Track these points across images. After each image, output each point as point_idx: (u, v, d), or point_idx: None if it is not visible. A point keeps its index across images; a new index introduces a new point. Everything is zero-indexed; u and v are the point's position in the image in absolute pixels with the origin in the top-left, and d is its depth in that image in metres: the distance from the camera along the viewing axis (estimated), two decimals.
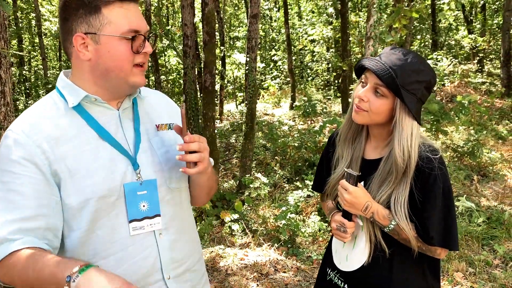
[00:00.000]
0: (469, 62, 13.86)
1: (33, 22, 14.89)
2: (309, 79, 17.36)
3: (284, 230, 4.22)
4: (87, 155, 1.10)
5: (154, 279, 1.17)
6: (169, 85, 14.53)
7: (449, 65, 12.79)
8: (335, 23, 13.26)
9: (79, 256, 1.11)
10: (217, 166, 5.98)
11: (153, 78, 11.90)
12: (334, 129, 6.17)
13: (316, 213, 4.68)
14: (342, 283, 1.50)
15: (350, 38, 12.77)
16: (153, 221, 1.17)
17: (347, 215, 1.44)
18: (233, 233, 4.48)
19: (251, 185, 5.29)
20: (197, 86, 8.36)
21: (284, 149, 6.80)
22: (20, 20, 14.45)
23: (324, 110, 11.21)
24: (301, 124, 9.75)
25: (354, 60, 11.51)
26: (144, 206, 1.16)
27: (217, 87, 11.92)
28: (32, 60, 17.91)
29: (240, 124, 9.80)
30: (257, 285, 3.48)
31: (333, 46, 14.55)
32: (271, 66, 18.06)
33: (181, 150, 1.13)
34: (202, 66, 5.83)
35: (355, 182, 1.37)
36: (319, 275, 1.68)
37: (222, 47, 12.36)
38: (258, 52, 13.15)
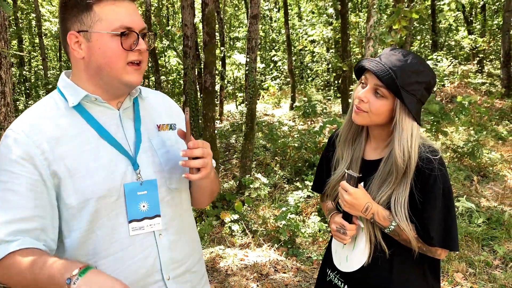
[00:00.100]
0: (469, 62, 13.86)
1: (33, 23, 14.90)
2: (309, 79, 17.37)
3: (284, 230, 4.22)
4: (87, 155, 1.10)
5: (153, 279, 1.17)
6: (169, 86, 14.53)
7: (449, 65, 12.80)
8: (335, 23, 13.27)
9: (79, 256, 1.11)
10: (217, 166, 5.98)
11: (153, 78, 11.91)
12: (334, 130, 6.15)
13: (316, 213, 4.68)
14: (342, 283, 1.50)
15: (350, 39, 12.77)
16: (153, 222, 1.17)
17: (347, 217, 1.44)
18: (233, 234, 4.48)
19: (251, 186, 5.29)
20: (197, 86, 8.37)
21: (284, 150, 6.80)
22: (20, 21, 14.46)
23: (324, 110, 11.21)
24: (301, 125, 9.74)
25: (354, 60, 11.52)
26: (144, 206, 1.16)
27: (217, 87, 11.92)
28: (32, 60, 17.92)
29: (240, 124, 9.80)
30: (257, 285, 3.48)
31: (333, 46, 14.55)
32: (271, 67, 18.06)
33: (184, 156, 1.13)
34: (202, 66, 5.83)
35: (356, 183, 1.38)
36: (319, 275, 1.68)
37: (222, 48, 12.37)
38: (258, 52, 13.16)
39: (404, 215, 1.34)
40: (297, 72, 17.14)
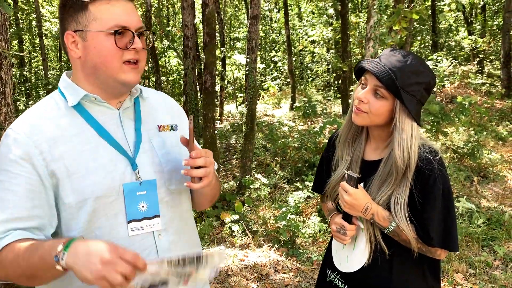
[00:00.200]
0: (469, 63, 13.86)
1: (34, 23, 14.90)
2: (309, 80, 17.37)
3: (284, 231, 4.22)
4: (87, 154, 1.11)
5: None
6: (169, 86, 14.52)
7: (449, 66, 12.80)
8: (335, 24, 13.27)
9: None
10: (218, 167, 5.98)
11: (153, 79, 11.91)
12: (334, 130, 6.16)
13: (316, 214, 4.68)
14: (342, 284, 1.50)
15: (350, 39, 12.77)
16: (152, 222, 1.17)
17: (347, 217, 1.44)
18: (233, 234, 4.48)
19: (251, 186, 5.29)
20: (197, 87, 8.37)
21: (284, 150, 6.80)
22: (20, 21, 14.46)
23: (324, 111, 11.21)
24: (301, 125, 9.75)
25: (354, 61, 11.51)
26: (143, 206, 1.16)
27: (217, 88, 11.92)
28: (32, 61, 17.93)
29: (240, 125, 9.80)
30: (257, 286, 3.49)
31: (333, 47, 14.55)
32: (271, 67, 18.06)
33: (186, 165, 1.12)
34: (203, 67, 5.83)
35: (356, 184, 1.38)
36: (319, 276, 1.69)
37: (222, 48, 12.37)
38: (258, 53, 13.16)
39: (404, 215, 1.34)
40: (297, 73, 17.14)
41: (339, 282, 1.52)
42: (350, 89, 10.31)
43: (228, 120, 12.27)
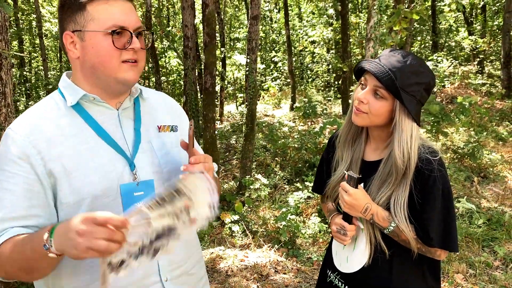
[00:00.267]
0: (469, 63, 13.86)
1: (34, 23, 14.91)
2: (309, 80, 17.37)
3: (284, 231, 4.21)
4: (85, 154, 1.11)
5: (151, 281, 1.17)
6: (169, 86, 14.52)
7: (449, 66, 12.80)
8: (335, 24, 13.27)
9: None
10: (218, 167, 5.98)
11: (153, 79, 11.90)
12: (334, 130, 6.17)
13: (316, 214, 4.68)
14: (343, 284, 1.50)
15: (351, 40, 12.77)
16: None
17: (347, 218, 1.45)
18: (233, 234, 4.48)
19: (251, 186, 5.29)
20: (198, 87, 8.37)
21: (284, 150, 6.80)
22: (20, 21, 14.47)
23: (324, 111, 11.21)
24: (301, 125, 9.74)
25: (354, 61, 11.51)
26: None
27: (218, 88, 11.93)
28: (32, 61, 17.93)
29: (241, 125, 9.80)
30: (257, 286, 3.48)
31: (333, 47, 14.55)
32: (271, 67, 18.06)
33: (185, 170, 1.12)
34: (203, 67, 5.83)
35: (355, 184, 1.38)
36: (319, 276, 1.69)
37: (222, 48, 12.38)
38: (259, 53, 13.17)
39: (404, 216, 1.34)
40: (297, 73, 17.14)
41: (339, 282, 1.52)
42: (350, 89, 10.31)
43: (228, 121, 12.28)
